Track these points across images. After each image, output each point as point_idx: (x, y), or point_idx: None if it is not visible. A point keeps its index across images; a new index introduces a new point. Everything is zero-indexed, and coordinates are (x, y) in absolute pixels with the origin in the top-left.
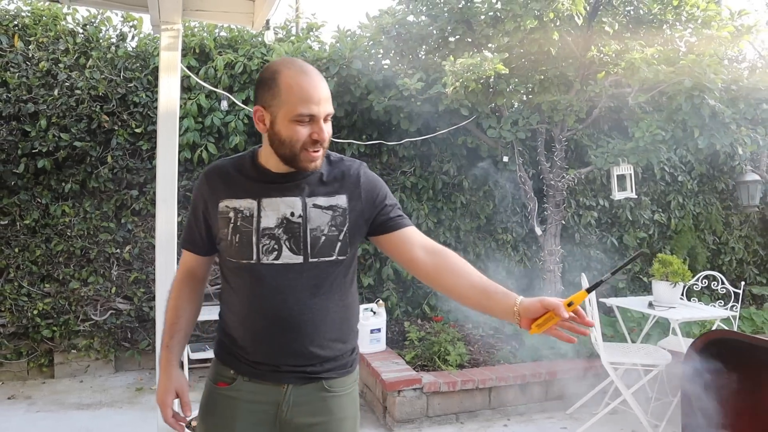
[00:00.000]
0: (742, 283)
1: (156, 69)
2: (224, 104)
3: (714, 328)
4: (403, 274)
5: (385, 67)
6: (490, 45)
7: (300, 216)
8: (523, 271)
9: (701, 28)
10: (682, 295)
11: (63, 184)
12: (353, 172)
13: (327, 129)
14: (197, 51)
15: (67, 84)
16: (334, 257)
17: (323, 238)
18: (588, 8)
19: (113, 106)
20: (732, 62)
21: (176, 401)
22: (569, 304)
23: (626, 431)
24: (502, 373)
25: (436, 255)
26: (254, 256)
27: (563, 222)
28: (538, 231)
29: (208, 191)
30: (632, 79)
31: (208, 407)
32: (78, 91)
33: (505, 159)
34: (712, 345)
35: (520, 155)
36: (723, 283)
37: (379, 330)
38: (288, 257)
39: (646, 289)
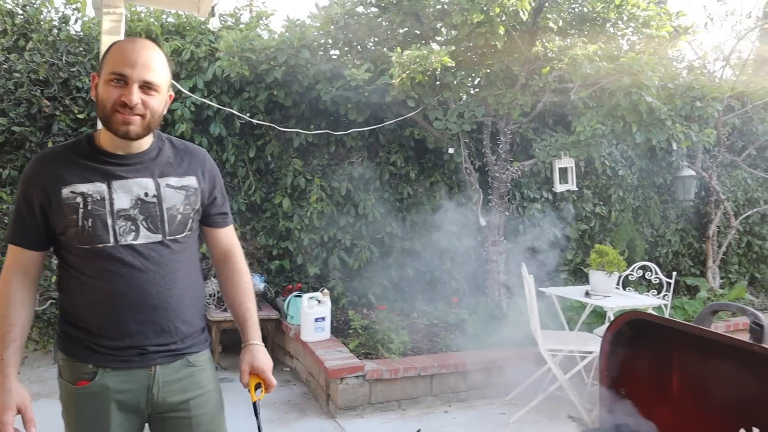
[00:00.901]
0: (674, 273)
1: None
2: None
3: None
4: (350, 263)
5: (334, 57)
6: (437, 38)
7: (155, 196)
8: (468, 261)
9: (642, 27)
10: (618, 284)
11: (0, 170)
12: (201, 157)
13: (137, 96)
14: (144, 36)
15: (5, 66)
16: (188, 233)
17: (179, 216)
18: (533, 4)
19: (55, 90)
20: (671, 62)
21: (18, 417)
22: (256, 386)
23: (562, 416)
24: (443, 361)
25: (226, 264)
26: (111, 239)
27: (507, 213)
28: (483, 222)
29: (46, 179)
30: (575, 75)
31: (72, 411)
32: (17, 75)
33: (451, 151)
34: (628, 327)
35: (466, 147)
36: (656, 273)
37: (323, 319)
38: (146, 236)
39: (587, 280)
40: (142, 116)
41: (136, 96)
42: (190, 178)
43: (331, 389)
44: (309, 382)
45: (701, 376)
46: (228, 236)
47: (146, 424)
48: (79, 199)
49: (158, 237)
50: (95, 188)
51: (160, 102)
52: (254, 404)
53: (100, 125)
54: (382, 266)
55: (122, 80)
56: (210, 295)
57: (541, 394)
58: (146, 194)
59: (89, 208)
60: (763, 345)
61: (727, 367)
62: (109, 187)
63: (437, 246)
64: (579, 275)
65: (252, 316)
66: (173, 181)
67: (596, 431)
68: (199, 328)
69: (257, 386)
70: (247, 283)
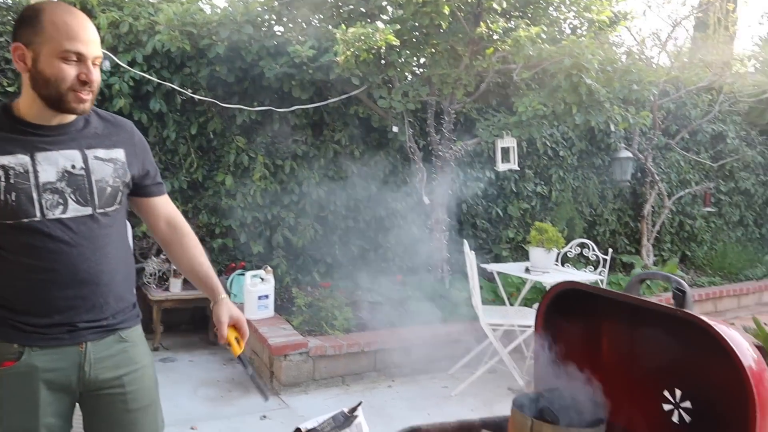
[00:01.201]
0: (610, 250)
1: None
2: (107, 64)
3: None
4: (294, 241)
5: (278, 33)
6: (383, 16)
7: (82, 168)
8: (412, 239)
9: (583, 11)
10: (557, 261)
11: None
12: (128, 129)
13: (96, 74)
14: (78, 7)
15: None
16: (118, 206)
17: (108, 188)
18: None
19: None
20: (611, 46)
21: None
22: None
23: (503, 388)
24: (387, 337)
25: (174, 230)
26: (37, 213)
27: (450, 192)
28: (426, 200)
29: None
30: (518, 57)
31: None
32: None
33: (395, 129)
34: (561, 296)
35: (410, 126)
36: (594, 250)
37: (267, 296)
38: (75, 210)
39: (528, 257)
40: (93, 93)
41: (96, 73)
42: (118, 151)
43: (275, 366)
44: (253, 360)
45: (629, 343)
46: (168, 204)
47: (77, 404)
48: (0, 173)
49: (88, 210)
50: (17, 160)
51: (99, 75)
52: (240, 357)
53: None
54: (326, 244)
55: (78, 58)
56: (150, 275)
57: (483, 368)
58: (73, 166)
59: (12, 181)
60: (685, 310)
61: (653, 332)
62: (33, 159)
63: (381, 224)
64: (520, 253)
65: (214, 273)
66: (101, 153)
67: (529, 395)
68: (130, 304)
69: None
70: (199, 244)
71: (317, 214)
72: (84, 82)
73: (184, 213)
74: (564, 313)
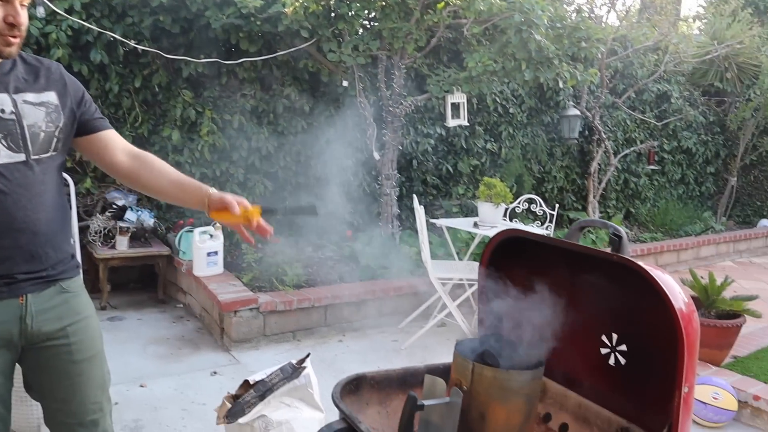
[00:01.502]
0: (557, 205)
1: None
2: (41, 11)
3: None
4: (243, 197)
5: None
6: None
7: (12, 113)
8: (362, 195)
9: None
10: (505, 216)
11: None
12: (55, 70)
13: (24, 16)
14: None
15: None
16: (53, 153)
17: (42, 134)
18: None
19: None
20: (561, 3)
21: None
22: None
23: (452, 341)
24: (337, 292)
25: (137, 158)
26: None
27: (401, 148)
28: (377, 156)
29: None
30: (468, 11)
31: None
32: None
33: (345, 84)
34: (504, 245)
35: (360, 81)
36: (541, 205)
37: (216, 253)
38: (8, 156)
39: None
40: (21, 36)
41: (24, 16)
42: (49, 94)
43: (225, 323)
44: (203, 317)
45: (570, 290)
46: (119, 137)
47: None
48: None
49: (21, 157)
50: None
51: (26, 18)
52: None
53: None
54: (276, 200)
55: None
56: (96, 233)
57: (432, 321)
58: (2, 110)
59: None
60: (621, 254)
61: (592, 279)
62: None
63: (332, 180)
64: (470, 209)
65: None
66: (31, 97)
67: (471, 341)
68: (68, 255)
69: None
70: (162, 161)
71: (267, 170)
72: (11, 25)
73: None
74: (507, 261)
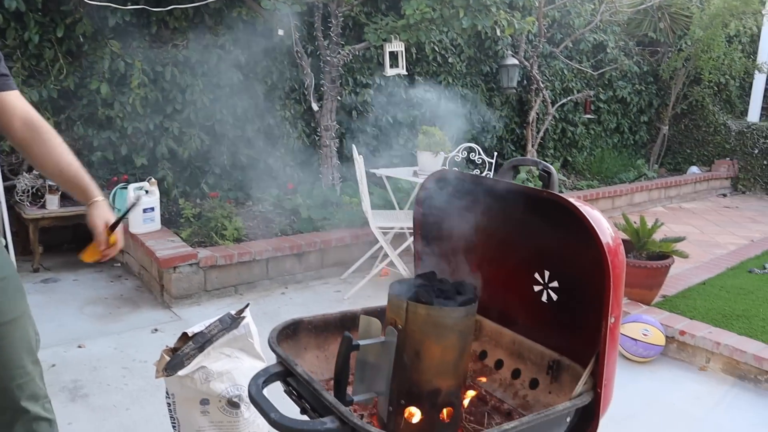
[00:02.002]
0: (496, 153)
1: None
2: None
3: None
4: (180, 152)
5: None
6: None
7: None
8: (302, 148)
9: None
10: (444, 164)
11: None
12: None
13: None
14: None
15: None
16: None
17: None
18: None
19: None
20: None
21: None
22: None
23: None
24: (278, 245)
25: (32, 130)
26: None
27: (340, 99)
28: (315, 107)
29: None
30: None
31: None
32: None
33: (281, 32)
34: (438, 186)
35: (296, 30)
36: (480, 153)
37: (152, 209)
38: None
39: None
40: None
41: None
42: None
43: (164, 279)
44: (142, 275)
45: (503, 228)
46: (20, 99)
47: None
48: None
49: None
50: None
51: None
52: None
53: None
54: (214, 155)
55: None
56: (23, 192)
57: (374, 271)
58: None
59: None
60: (551, 191)
61: (525, 217)
62: None
63: (270, 132)
64: (410, 160)
65: (85, 173)
66: None
67: (406, 281)
68: None
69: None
70: (64, 143)
71: (203, 124)
72: None
73: (56, 125)
74: (442, 201)
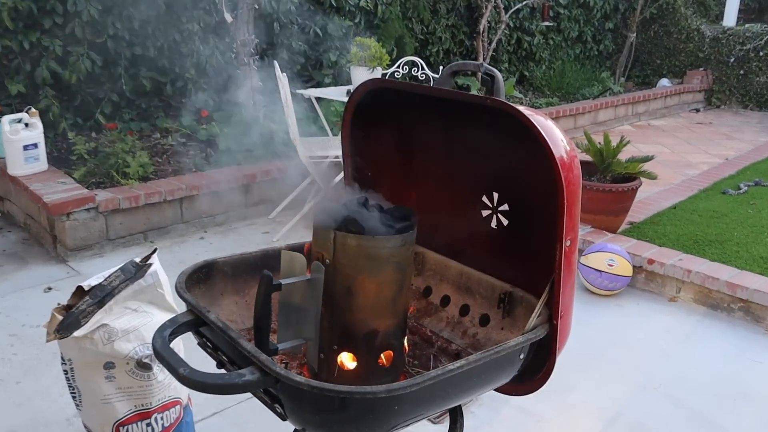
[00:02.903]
0: (441, 67)
1: None
2: None
3: None
4: (65, 76)
5: None
6: None
7: None
8: (216, 68)
9: None
10: None
11: None
12: None
13: None
14: None
15: None
16: None
17: None
18: None
19: None
20: None
21: None
22: None
23: None
24: (194, 182)
25: None
26: None
27: (257, 7)
28: (228, 18)
29: None
30: None
31: None
32: None
33: None
34: (369, 99)
35: None
36: (423, 69)
37: (35, 146)
38: None
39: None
40: None
41: None
42: None
43: (56, 229)
44: (28, 226)
45: (446, 146)
46: None
47: None
48: None
49: None
50: None
51: None
52: None
53: None
54: (109, 78)
55: None
56: None
57: (307, 206)
58: None
59: None
60: (495, 97)
61: (469, 133)
62: None
63: (177, 50)
64: (344, 78)
65: None
66: None
67: (334, 208)
68: None
69: None
70: None
71: (93, 41)
72: None
73: None
74: (374, 118)
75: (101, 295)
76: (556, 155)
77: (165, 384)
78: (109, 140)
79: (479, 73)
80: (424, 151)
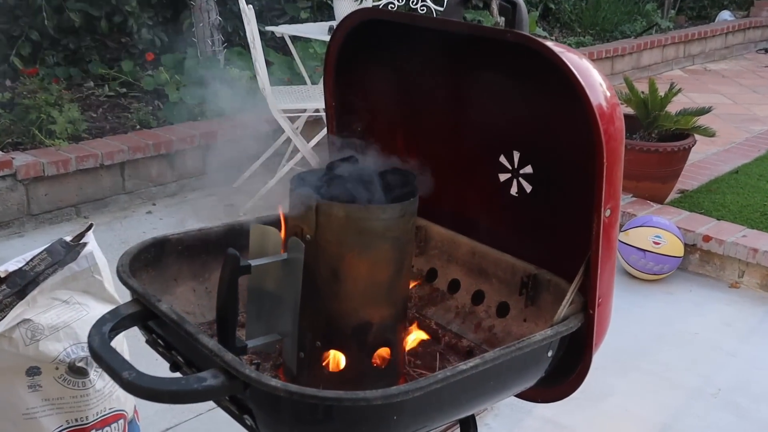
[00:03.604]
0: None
1: None
2: None
3: None
4: None
5: None
6: None
7: None
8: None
9: None
10: None
11: None
12: None
13: None
14: None
15: None
16: None
17: None
18: None
19: None
20: None
21: None
22: None
23: None
24: (138, 143)
25: None
26: None
27: None
28: None
29: None
30: None
31: None
32: None
33: None
34: (359, 35)
35: None
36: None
37: None
38: None
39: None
40: None
41: None
42: None
43: None
44: None
45: (454, 93)
46: None
47: None
48: None
49: None
50: None
51: None
52: None
53: None
54: (26, 11)
55: None
56: None
57: (280, 172)
58: None
59: None
60: (517, 30)
61: (484, 75)
62: None
63: None
64: (325, 13)
65: None
66: None
67: (315, 172)
68: None
69: None
70: None
71: None
72: None
73: None
74: (364, 59)
75: (22, 284)
76: (594, 103)
77: (105, 393)
78: (29, 90)
79: (494, 4)
80: (427, 100)
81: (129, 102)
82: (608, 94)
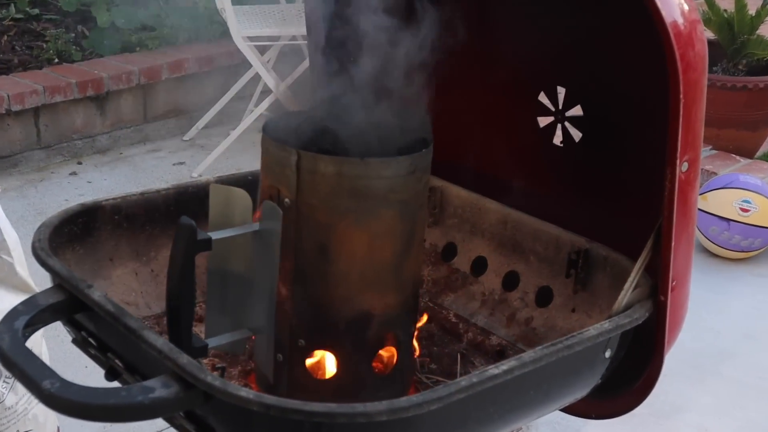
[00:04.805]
0: None
1: None
2: None
3: None
4: None
5: None
6: None
7: None
8: None
9: None
10: None
11: None
12: None
13: None
14: None
15: None
16: None
17: None
18: None
19: None
20: None
21: None
22: None
23: None
24: (57, 81)
25: None
26: None
27: None
28: None
29: None
30: None
31: None
32: None
33: None
34: None
35: None
36: None
37: None
38: None
39: None
40: None
41: None
42: None
43: None
44: None
45: (478, 11)
46: None
47: None
48: None
49: None
50: None
51: None
52: None
53: None
54: None
55: None
56: None
57: (247, 120)
58: None
59: None
60: None
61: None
62: None
63: None
64: None
65: None
66: None
67: (294, 115)
68: None
69: None
70: None
71: None
72: None
73: None
74: None
75: None
76: (667, 20)
77: (18, 411)
78: None
79: None
80: (443, 20)
81: (43, 27)
82: (686, 7)
